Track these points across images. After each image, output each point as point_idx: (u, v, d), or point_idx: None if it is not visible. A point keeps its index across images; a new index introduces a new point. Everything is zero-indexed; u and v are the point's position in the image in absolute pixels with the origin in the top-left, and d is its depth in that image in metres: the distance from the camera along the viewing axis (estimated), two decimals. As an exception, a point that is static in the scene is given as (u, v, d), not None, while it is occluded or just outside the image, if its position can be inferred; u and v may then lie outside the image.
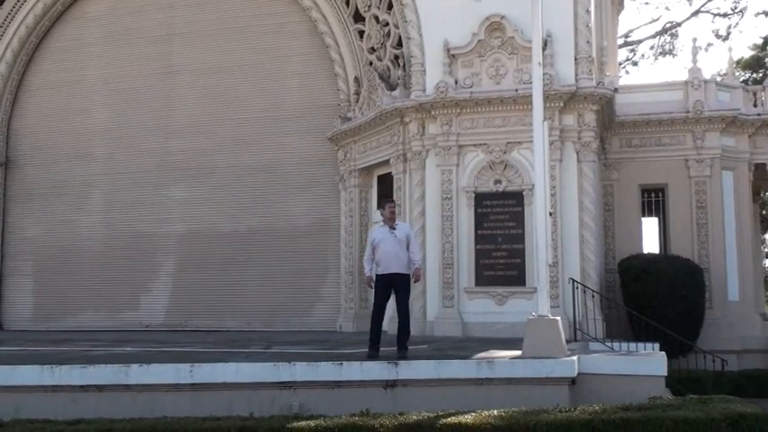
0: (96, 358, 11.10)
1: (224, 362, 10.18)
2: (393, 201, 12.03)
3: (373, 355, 10.86)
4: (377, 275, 11.17)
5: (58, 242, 22.35)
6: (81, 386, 9.74)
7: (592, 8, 16.82)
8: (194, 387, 9.72)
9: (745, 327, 18.50)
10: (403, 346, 11.18)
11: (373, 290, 11.29)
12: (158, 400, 9.69)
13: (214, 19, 21.61)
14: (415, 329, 16.31)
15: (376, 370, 9.96)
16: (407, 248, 11.19)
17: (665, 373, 10.99)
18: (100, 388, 9.74)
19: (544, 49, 15.57)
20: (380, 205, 11.49)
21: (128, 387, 9.74)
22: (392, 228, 11.18)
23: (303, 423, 8.12)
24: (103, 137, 22.28)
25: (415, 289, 16.57)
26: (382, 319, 11.25)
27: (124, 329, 20.39)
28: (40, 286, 22.42)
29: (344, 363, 10.04)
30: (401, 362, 10.08)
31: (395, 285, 11.14)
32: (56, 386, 9.77)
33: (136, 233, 21.60)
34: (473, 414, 8.35)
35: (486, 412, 8.45)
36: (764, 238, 31.13)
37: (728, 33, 39.90)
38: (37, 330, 21.23)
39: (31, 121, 23.09)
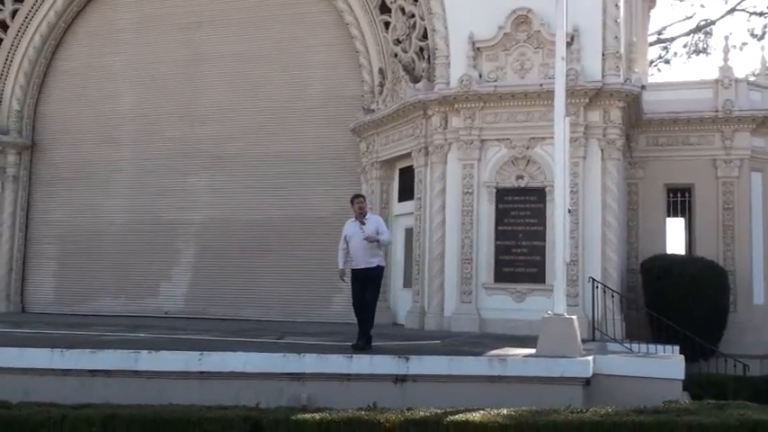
0: (108, 343, 11.12)
1: (233, 351, 10.14)
2: (362, 196, 12.21)
3: (360, 346, 11.00)
4: (352, 270, 11.48)
5: (81, 226, 22.47)
6: (90, 371, 9.76)
7: (621, 3, 16.52)
8: (203, 375, 9.71)
9: (769, 331, 18.13)
10: (362, 337, 11.19)
11: (347, 283, 11.71)
12: (167, 388, 9.68)
13: (241, 7, 21.54)
14: (432, 324, 16.39)
15: (386, 364, 9.89)
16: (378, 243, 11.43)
17: (683, 377, 10.79)
18: (108, 373, 9.75)
19: (570, 44, 15.46)
20: (351, 201, 11.73)
21: (136, 373, 9.74)
22: (362, 223, 11.37)
23: (308, 416, 8.03)
24: (129, 122, 22.35)
25: (433, 283, 16.63)
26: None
27: (144, 315, 20.49)
28: (63, 270, 22.57)
29: (354, 356, 9.98)
30: (412, 356, 9.97)
31: (367, 280, 11.38)
32: (65, 370, 9.80)
33: (158, 219, 21.67)
34: (481, 412, 8.21)
35: (495, 411, 8.31)
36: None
37: (764, 32, 39.09)
38: (58, 314, 21.37)
39: (57, 106, 23.20)
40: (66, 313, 21.30)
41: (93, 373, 9.75)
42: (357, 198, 11.72)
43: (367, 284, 11.35)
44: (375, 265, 11.41)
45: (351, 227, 11.51)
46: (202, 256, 21.17)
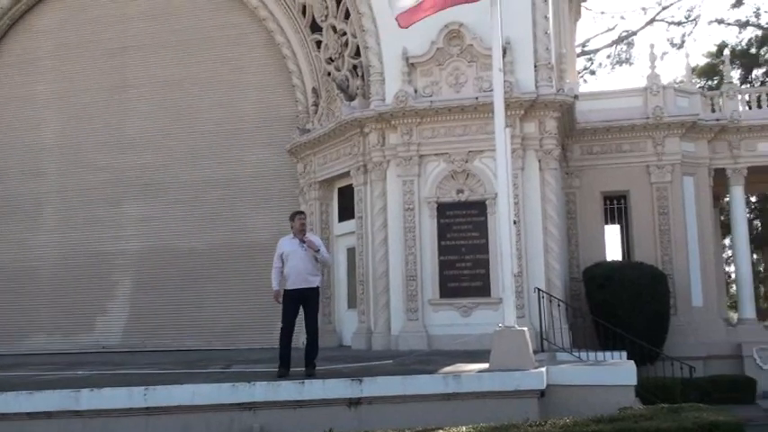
0: (46, 383, 10.59)
1: (180, 383, 9.76)
2: (303, 212, 11.54)
3: (284, 374, 10.38)
4: (285, 291, 10.69)
5: (9, 262, 21.63)
6: (28, 413, 9.24)
7: (550, 15, 16.74)
8: (149, 411, 9.28)
9: (709, 332, 18.49)
10: (311, 363, 10.61)
11: (281, 305, 10.73)
12: (111, 426, 9.25)
13: (169, 30, 21.19)
14: (379, 343, 16.18)
15: (339, 387, 9.62)
16: (316, 260, 10.82)
17: (635, 383, 10.83)
18: (49, 414, 9.25)
19: (504, 56, 15.50)
20: (291, 218, 11.00)
21: (78, 413, 9.26)
22: (302, 240, 10.73)
23: (263, 446, 7.75)
24: (55, 152, 21.69)
25: (378, 302, 16.44)
26: (292, 335, 10.71)
27: (80, 351, 19.77)
28: (-8, 307, 21.69)
29: (306, 381, 9.69)
30: (365, 378, 9.74)
31: (304, 300, 10.70)
32: (1, 414, 9.24)
33: (91, 252, 21.00)
34: (441, 431, 8.05)
35: (454, 428, 8.18)
36: (725, 244, 31.36)
37: (683, 41, 40.42)
38: (-12, 354, 20.47)
39: (-21, 138, 22.40)
40: (-3, 353, 20.40)
41: (32, 415, 9.24)
42: (299, 215, 11.04)
43: (305, 306, 10.67)
44: (316, 285, 10.87)
45: (288, 244, 10.78)
46: (139, 288, 20.57)
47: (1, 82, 22.34)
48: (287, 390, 9.56)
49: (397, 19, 11.29)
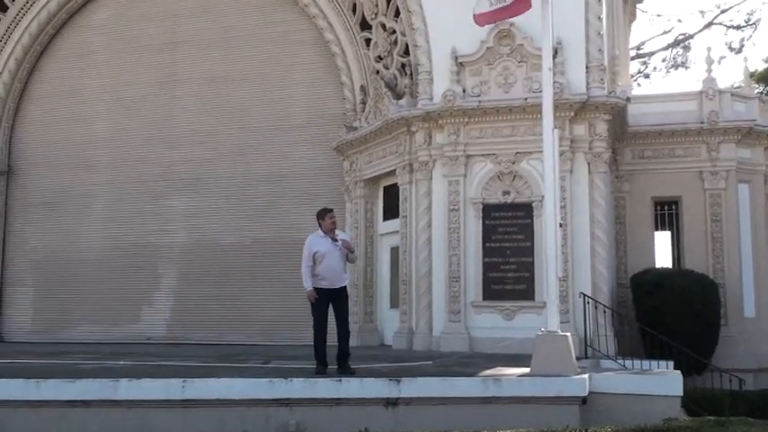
0: (86, 372, 10.67)
1: (217, 377, 9.74)
2: (332, 210, 11.11)
3: (322, 371, 10.33)
4: (319, 290, 10.53)
5: (59, 252, 22.02)
6: (67, 401, 9.30)
7: (604, 16, 16.40)
8: (185, 403, 9.27)
9: (761, 344, 17.90)
10: (346, 363, 10.54)
11: (314, 304, 10.58)
12: (148, 417, 9.26)
13: (218, 27, 21.33)
14: (420, 344, 16.05)
15: (377, 387, 9.51)
16: (347, 258, 10.76)
17: (681, 393, 10.49)
18: (87, 403, 9.30)
19: (554, 57, 15.18)
20: (320, 216, 10.75)
21: (116, 402, 9.29)
22: (334, 239, 10.57)
23: (297, 443, 7.67)
24: (106, 146, 22.00)
25: (420, 302, 16.31)
26: (326, 333, 10.62)
27: (125, 342, 19.99)
28: (41, 297, 22.10)
29: (343, 379, 9.60)
30: (404, 378, 9.61)
31: (338, 300, 10.65)
32: (41, 401, 9.33)
33: (138, 244, 21.26)
34: (477, 435, 7.89)
35: (491, 433, 7.99)
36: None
37: (742, 46, 39.38)
38: (36, 342, 20.83)
39: (33, 130, 22.84)
40: (44, 342, 20.74)
41: (71, 403, 9.30)
42: (329, 212, 10.77)
43: (336, 305, 10.61)
44: (346, 282, 10.80)
45: (322, 243, 10.54)
46: (184, 281, 20.75)
47: (56, 76, 22.73)
48: (324, 387, 9.48)
49: (475, 17, 11.38)
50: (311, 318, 18.10)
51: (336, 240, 10.59)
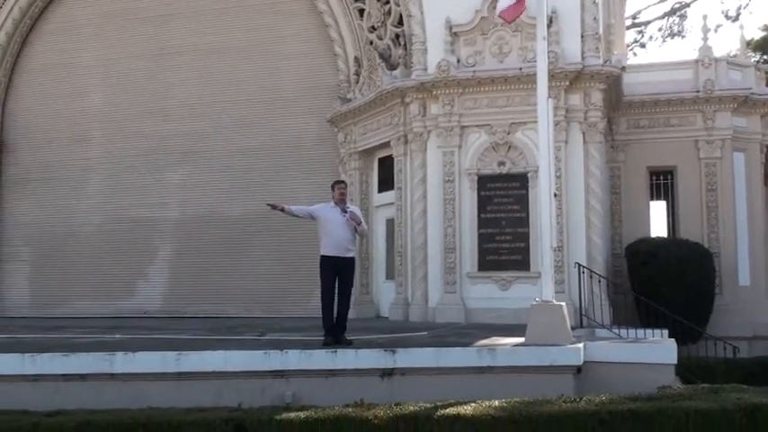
0: (82, 346, 10.68)
1: (212, 349, 9.76)
2: (344, 182, 11.46)
3: (330, 342, 10.33)
4: (324, 257, 10.63)
5: (54, 227, 21.99)
6: (63, 375, 9.31)
7: (599, -17, 16.27)
8: (181, 376, 9.29)
9: (756, 312, 17.98)
10: (343, 339, 10.50)
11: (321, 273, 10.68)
12: (144, 390, 9.25)
13: (210, -1, 21.12)
14: (416, 315, 16.09)
15: (372, 358, 9.53)
16: (356, 231, 10.77)
17: (675, 362, 10.56)
18: (83, 377, 9.31)
19: (549, 26, 15.07)
20: (332, 187, 10.96)
21: (112, 376, 9.30)
22: (343, 210, 10.68)
23: (293, 414, 7.68)
24: (99, 120, 21.88)
25: (416, 274, 16.32)
26: (334, 302, 10.66)
27: (122, 315, 20.02)
28: (37, 272, 22.09)
29: (339, 350, 9.62)
30: (399, 349, 9.64)
31: (343, 270, 10.66)
32: (37, 375, 9.33)
33: (133, 218, 21.23)
34: (473, 404, 7.89)
35: (486, 402, 8.00)
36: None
37: (738, 14, 39.16)
38: (34, 317, 20.86)
39: (25, 104, 22.69)
40: (41, 316, 20.78)
41: (67, 377, 9.32)
42: (339, 183, 11.02)
43: (341, 275, 10.64)
44: (353, 254, 10.87)
45: (330, 210, 10.74)
46: (180, 254, 20.75)
47: (47, 49, 22.53)
48: (320, 358, 9.49)
49: (500, 16, 11.32)
50: (307, 290, 18.34)
51: (345, 212, 10.64)
